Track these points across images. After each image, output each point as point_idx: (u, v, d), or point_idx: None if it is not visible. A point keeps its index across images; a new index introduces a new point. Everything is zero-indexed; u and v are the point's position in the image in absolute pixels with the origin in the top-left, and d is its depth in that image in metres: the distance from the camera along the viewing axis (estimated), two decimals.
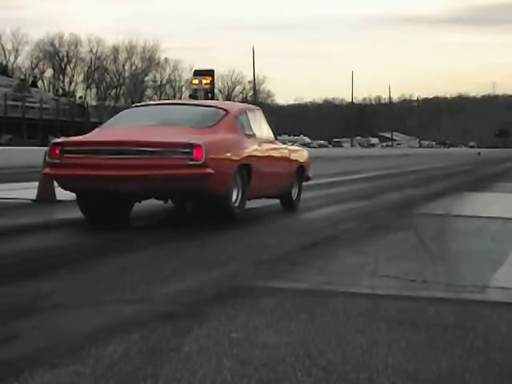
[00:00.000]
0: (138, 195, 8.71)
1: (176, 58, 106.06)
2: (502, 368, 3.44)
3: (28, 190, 11.93)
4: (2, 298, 4.63)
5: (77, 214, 8.90)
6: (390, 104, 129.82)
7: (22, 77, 74.66)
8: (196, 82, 70.13)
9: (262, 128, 10.23)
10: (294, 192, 11.04)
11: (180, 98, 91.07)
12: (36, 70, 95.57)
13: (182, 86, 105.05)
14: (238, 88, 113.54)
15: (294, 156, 11.05)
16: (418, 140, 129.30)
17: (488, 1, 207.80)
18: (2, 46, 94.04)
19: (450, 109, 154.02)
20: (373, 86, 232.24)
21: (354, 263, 6.14)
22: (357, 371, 3.29)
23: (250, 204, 9.61)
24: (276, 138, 10.88)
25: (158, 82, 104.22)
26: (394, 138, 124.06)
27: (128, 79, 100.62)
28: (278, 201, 10.95)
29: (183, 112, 9.76)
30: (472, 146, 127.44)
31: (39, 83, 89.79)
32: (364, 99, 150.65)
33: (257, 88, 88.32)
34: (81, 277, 5.39)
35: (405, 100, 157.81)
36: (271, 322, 4.08)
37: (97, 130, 9.54)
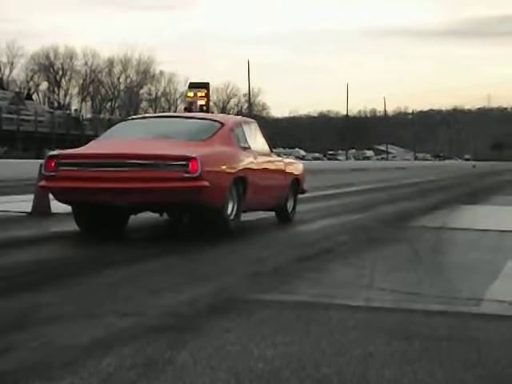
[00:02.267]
0: (134, 208, 8.72)
1: (171, 70, 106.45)
2: (498, 380, 3.44)
3: (23, 203, 11.92)
4: None
5: (72, 226, 8.90)
6: (385, 117, 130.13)
7: (17, 90, 74.77)
8: (191, 94, 70.25)
9: (257, 141, 10.25)
10: (290, 205, 11.05)
11: (175, 111, 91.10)
12: (31, 83, 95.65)
13: (177, 99, 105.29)
14: (233, 101, 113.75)
15: (289, 169, 11.07)
16: (413, 153, 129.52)
17: (483, 13, 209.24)
18: None
19: (445, 121, 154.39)
20: (368, 98, 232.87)
21: (349, 276, 6.14)
22: None
23: (245, 216, 9.62)
24: (271, 151, 10.90)
25: (153, 95, 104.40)
26: (389, 150, 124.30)
27: (123, 92, 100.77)
28: (273, 213, 10.96)
29: (179, 125, 9.77)
30: (467, 159, 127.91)
31: (34, 96, 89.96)
32: (359, 112, 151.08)
33: (252, 101, 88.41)
34: (75, 289, 5.39)
35: (400, 113, 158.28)
36: (266, 335, 4.08)
37: (92, 142, 9.55)
